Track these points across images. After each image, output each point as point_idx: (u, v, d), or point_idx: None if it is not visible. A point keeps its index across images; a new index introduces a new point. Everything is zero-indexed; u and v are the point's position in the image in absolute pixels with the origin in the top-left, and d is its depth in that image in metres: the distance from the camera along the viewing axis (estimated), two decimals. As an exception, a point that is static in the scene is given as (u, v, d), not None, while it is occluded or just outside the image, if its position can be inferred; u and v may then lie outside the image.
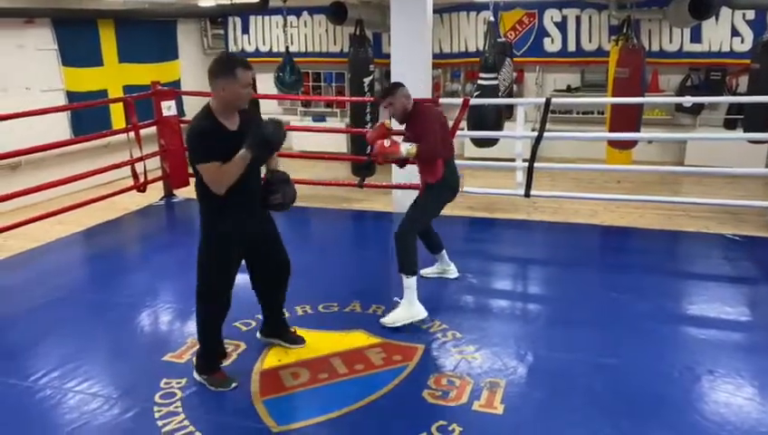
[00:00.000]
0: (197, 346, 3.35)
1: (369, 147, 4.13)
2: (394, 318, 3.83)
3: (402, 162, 4.23)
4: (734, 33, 7.68)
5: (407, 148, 3.81)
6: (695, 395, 3.16)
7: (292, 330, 3.70)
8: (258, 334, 3.72)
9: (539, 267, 5.16)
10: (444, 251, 4.50)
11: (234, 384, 3.24)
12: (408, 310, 3.84)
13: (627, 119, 6.67)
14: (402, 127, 4.14)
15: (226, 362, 3.44)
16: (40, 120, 5.84)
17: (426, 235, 4.34)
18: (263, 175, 3.24)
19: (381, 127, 4.10)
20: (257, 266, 3.39)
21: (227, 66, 2.91)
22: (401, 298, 3.88)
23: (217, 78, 2.91)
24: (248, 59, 3.18)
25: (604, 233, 5.81)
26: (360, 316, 4.03)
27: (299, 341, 3.65)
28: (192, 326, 3.71)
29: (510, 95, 7.53)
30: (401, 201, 6.29)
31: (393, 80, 6.18)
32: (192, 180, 7.04)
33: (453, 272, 4.58)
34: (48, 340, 3.82)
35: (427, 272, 4.53)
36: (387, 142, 3.85)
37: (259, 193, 3.17)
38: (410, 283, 3.84)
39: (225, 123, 2.97)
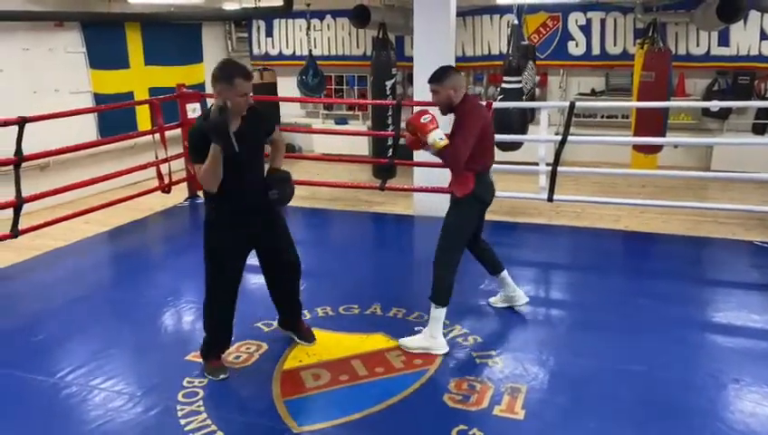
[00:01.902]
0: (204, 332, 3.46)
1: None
2: (412, 343, 3.60)
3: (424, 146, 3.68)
4: (763, 36, 7.55)
5: (437, 137, 3.37)
6: (720, 404, 3.11)
7: (306, 327, 3.77)
8: (275, 324, 3.83)
9: (561, 272, 5.12)
10: (505, 272, 4.05)
11: (222, 376, 3.34)
12: (428, 341, 3.57)
13: (652, 123, 6.60)
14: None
15: (248, 363, 3.49)
16: (68, 121, 5.95)
17: (478, 253, 3.98)
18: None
19: (431, 114, 3.52)
20: (266, 266, 3.50)
21: (227, 74, 3.00)
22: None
23: (217, 83, 3.01)
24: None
25: (628, 238, 5.74)
26: (381, 319, 4.04)
27: (309, 338, 3.71)
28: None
29: (532, 99, 7.49)
30: (422, 204, 6.29)
31: (416, 83, 6.22)
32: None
33: (521, 298, 4.10)
34: (74, 338, 3.89)
35: (494, 301, 4.19)
36: (426, 117, 3.40)
37: (260, 192, 3.25)
38: (438, 314, 3.57)
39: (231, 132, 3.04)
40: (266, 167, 3.37)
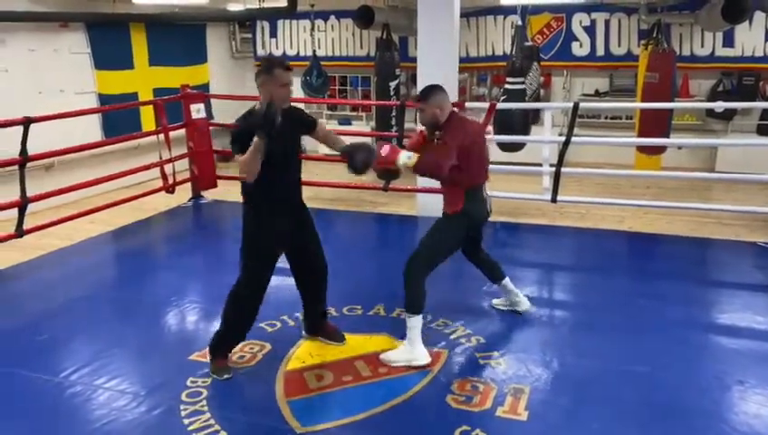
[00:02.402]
0: (220, 325, 3.45)
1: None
2: (391, 357, 3.49)
3: (392, 175, 3.79)
4: (768, 37, 7.54)
5: (405, 157, 3.36)
6: (724, 405, 3.10)
7: (333, 327, 3.78)
8: (303, 332, 3.82)
9: (565, 273, 5.12)
10: (507, 280, 4.02)
11: (226, 376, 3.37)
12: (409, 352, 3.46)
13: (656, 124, 6.58)
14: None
15: (251, 363, 3.51)
16: (72, 122, 5.97)
17: (479, 262, 3.98)
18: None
19: (420, 135, 3.66)
20: (294, 266, 3.54)
21: (267, 65, 3.18)
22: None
23: (259, 76, 3.18)
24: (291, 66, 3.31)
25: (632, 239, 5.73)
26: (384, 320, 4.04)
27: (338, 338, 3.72)
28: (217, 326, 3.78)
29: (537, 100, 7.49)
30: (426, 205, 6.29)
31: (420, 84, 6.22)
32: (220, 182, 7.18)
33: (524, 304, 4.07)
34: (78, 337, 3.90)
35: (497, 303, 4.18)
36: (385, 149, 3.41)
37: (294, 191, 3.41)
38: (414, 322, 3.47)
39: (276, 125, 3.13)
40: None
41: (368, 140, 3.45)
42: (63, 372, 3.45)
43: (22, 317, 4.23)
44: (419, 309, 3.47)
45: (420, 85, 6.19)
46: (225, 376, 3.37)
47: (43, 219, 5.41)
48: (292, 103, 3.32)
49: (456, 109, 3.59)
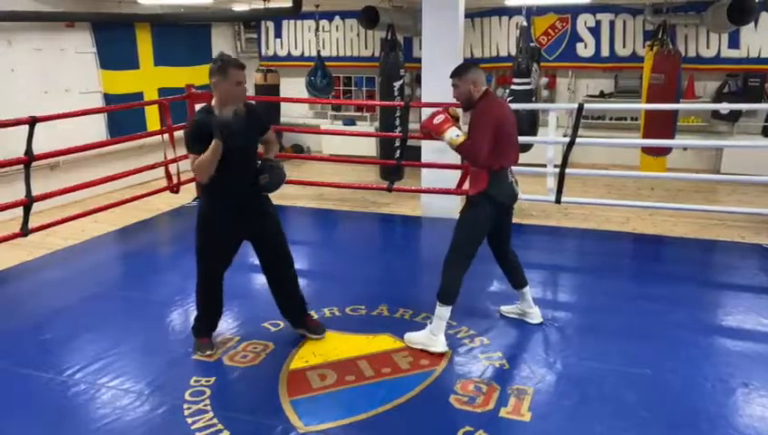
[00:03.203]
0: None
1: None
2: (412, 338, 3.65)
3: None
4: (774, 38, 7.52)
5: (453, 135, 3.40)
6: (728, 408, 3.09)
7: (315, 321, 3.84)
8: (282, 324, 3.91)
9: (569, 275, 5.11)
10: (527, 288, 3.95)
11: (208, 352, 3.57)
12: (429, 338, 3.58)
13: (661, 125, 6.57)
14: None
15: (254, 362, 3.52)
16: (78, 121, 6.00)
17: (505, 263, 3.90)
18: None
19: (444, 112, 3.56)
20: (260, 259, 3.63)
21: (220, 66, 3.25)
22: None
23: (212, 76, 3.25)
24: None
25: (636, 241, 5.72)
26: (388, 320, 4.04)
27: (319, 331, 3.78)
28: (222, 325, 3.79)
29: (537, 100, 7.47)
30: (430, 205, 6.29)
31: (424, 84, 6.23)
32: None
33: (535, 317, 3.95)
34: (83, 336, 3.91)
35: (505, 310, 4.10)
36: (439, 118, 3.45)
37: (251, 191, 3.41)
38: (442, 313, 3.55)
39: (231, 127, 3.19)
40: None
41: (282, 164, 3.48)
42: (68, 370, 3.46)
43: (26, 316, 4.24)
44: (450, 300, 3.53)
45: (425, 86, 6.21)
46: (208, 352, 3.58)
47: (48, 218, 5.42)
48: (252, 102, 3.44)
49: (488, 88, 3.57)
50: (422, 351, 3.57)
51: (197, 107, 6.62)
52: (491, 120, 3.43)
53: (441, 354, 3.55)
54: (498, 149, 3.44)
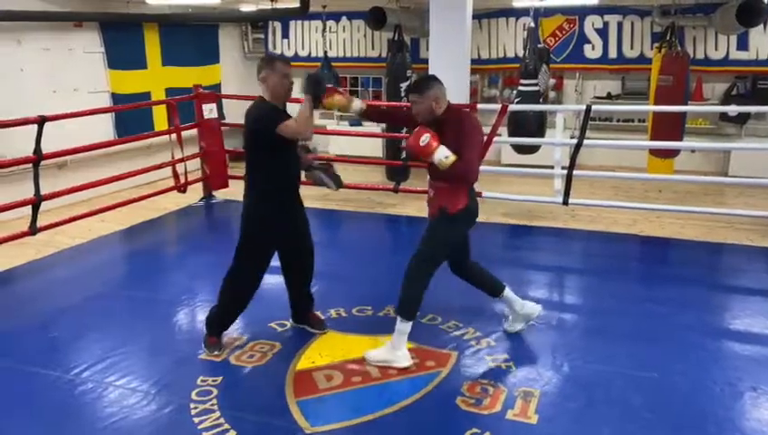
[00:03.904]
0: (214, 306, 3.66)
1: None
2: (373, 356, 3.46)
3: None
4: (783, 40, 7.48)
5: (443, 156, 3.16)
6: (736, 412, 3.07)
7: (317, 317, 3.92)
8: (289, 324, 3.95)
9: (576, 277, 5.09)
10: (507, 290, 3.73)
11: (216, 352, 3.59)
12: (391, 353, 3.41)
13: (669, 127, 6.55)
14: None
15: (261, 362, 3.52)
16: (85, 121, 6.02)
17: (469, 275, 3.71)
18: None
19: (429, 130, 3.29)
20: (287, 251, 3.64)
21: (268, 59, 3.45)
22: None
23: (260, 70, 3.38)
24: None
25: (644, 243, 5.69)
26: (394, 321, 3.99)
27: (321, 326, 3.86)
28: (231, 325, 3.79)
29: (545, 102, 7.47)
30: (436, 207, 6.28)
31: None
32: (231, 182, 7.18)
33: (534, 310, 3.79)
34: (90, 334, 3.92)
35: (509, 327, 3.82)
36: (425, 138, 3.18)
37: (297, 185, 3.57)
38: (403, 328, 3.37)
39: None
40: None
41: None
42: (75, 369, 3.47)
43: (34, 314, 4.26)
44: (413, 315, 3.37)
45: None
46: (215, 352, 3.59)
47: (56, 217, 5.45)
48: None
49: (448, 101, 3.39)
50: (426, 352, 3.54)
51: (205, 107, 6.73)
52: (479, 137, 3.35)
53: (447, 355, 3.53)
54: (477, 164, 3.35)
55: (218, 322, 3.65)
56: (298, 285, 3.78)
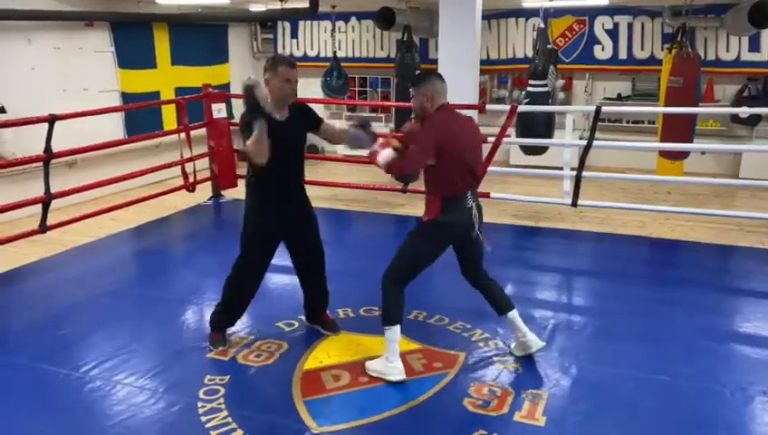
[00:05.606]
0: (218, 304, 3.71)
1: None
2: (370, 366, 3.39)
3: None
4: (796, 42, 7.42)
5: (385, 156, 3.23)
6: (747, 416, 3.04)
7: (331, 319, 3.91)
8: (296, 324, 3.95)
9: (584, 279, 5.07)
10: (514, 313, 3.48)
11: (221, 347, 3.63)
12: (385, 365, 3.31)
13: (679, 129, 6.51)
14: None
15: (269, 362, 3.52)
16: (95, 120, 6.05)
17: (480, 288, 3.55)
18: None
19: (415, 122, 3.37)
20: (295, 250, 3.66)
21: (272, 63, 3.35)
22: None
23: (265, 73, 3.34)
24: (296, 63, 3.42)
25: (653, 245, 5.66)
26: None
27: (334, 329, 3.85)
28: (236, 324, 3.80)
29: (553, 103, 7.43)
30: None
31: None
32: (240, 181, 7.20)
33: (534, 344, 3.49)
34: (99, 332, 3.94)
35: (514, 350, 3.60)
36: (374, 147, 3.36)
37: (297, 185, 3.55)
38: (390, 335, 3.29)
39: (273, 113, 3.27)
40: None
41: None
42: (84, 366, 3.49)
43: (44, 312, 4.28)
44: (395, 321, 3.29)
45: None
46: (220, 347, 3.63)
47: (66, 216, 5.48)
48: (308, 103, 3.45)
49: (447, 102, 3.30)
50: (434, 353, 3.54)
51: (214, 107, 6.75)
52: (433, 133, 3.14)
53: (455, 356, 3.52)
54: (447, 172, 3.15)
55: (222, 318, 3.69)
56: (309, 284, 3.79)
